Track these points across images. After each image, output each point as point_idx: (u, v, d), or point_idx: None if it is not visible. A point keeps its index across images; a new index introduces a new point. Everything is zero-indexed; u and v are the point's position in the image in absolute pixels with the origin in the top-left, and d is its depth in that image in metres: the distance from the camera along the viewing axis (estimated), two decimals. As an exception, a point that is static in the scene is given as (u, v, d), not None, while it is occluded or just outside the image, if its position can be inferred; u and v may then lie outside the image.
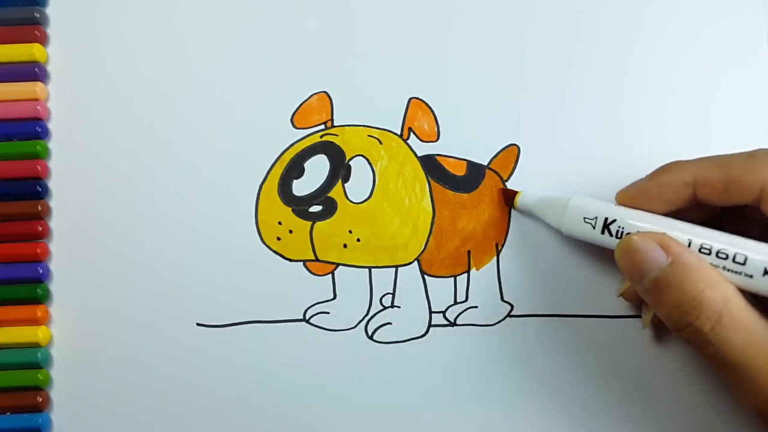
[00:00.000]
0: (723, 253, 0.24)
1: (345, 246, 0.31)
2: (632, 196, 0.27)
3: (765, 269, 0.23)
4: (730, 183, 0.24)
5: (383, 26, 0.33)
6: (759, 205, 0.24)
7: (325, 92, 0.33)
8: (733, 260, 0.24)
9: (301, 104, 0.32)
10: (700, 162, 0.26)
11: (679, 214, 0.27)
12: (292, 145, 0.32)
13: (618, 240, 0.26)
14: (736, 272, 0.24)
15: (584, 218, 0.27)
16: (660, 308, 0.24)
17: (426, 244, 0.32)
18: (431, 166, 0.32)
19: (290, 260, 0.32)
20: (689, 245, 0.25)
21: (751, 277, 0.24)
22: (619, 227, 0.26)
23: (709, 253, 0.24)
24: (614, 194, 0.32)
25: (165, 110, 0.32)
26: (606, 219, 0.27)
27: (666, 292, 0.24)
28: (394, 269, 0.32)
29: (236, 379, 0.31)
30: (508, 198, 0.31)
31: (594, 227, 0.27)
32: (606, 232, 0.27)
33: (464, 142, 0.32)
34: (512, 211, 0.32)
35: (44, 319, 0.31)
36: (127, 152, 0.32)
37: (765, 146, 0.32)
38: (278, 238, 0.32)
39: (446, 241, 0.32)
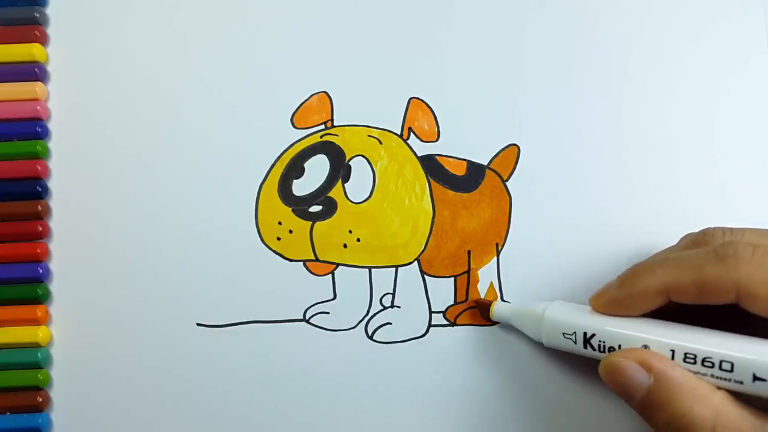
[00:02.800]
0: (708, 361, 0.23)
1: (345, 246, 0.31)
2: (606, 305, 0.26)
3: (754, 375, 0.22)
4: (703, 288, 0.23)
5: (383, 26, 0.33)
6: (738, 304, 0.23)
7: (325, 92, 0.33)
8: (720, 368, 0.23)
9: (301, 104, 0.33)
10: (668, 266, 0.24)
11: (659, 309, 0.25)
12: (292, 145, 0.32)
13: (602, 354, 0.25)
14: (725, 379, 0.23)
15: (563, 333, 0.26)
16: (654, 427, 0.24)
17: (426, 244, 0.32)
18: (431, 166, 0.32)
19: (290, 260, 0.32)
20: (673, 356, 0.23)
21: (741, 383, 0.22)
22: (600, 341, 0.25)
23: (694, 362, 0.23)
24: (614, 194, 0.32)
25: (165, 110, 0.32)
26: (585, 334, 0.26)
27: (655, 412, 0.23)
28: (394, 269, 0.32)
29: (236, 379, 0.31)
30: (483, 309, 0.30)
31: (575, 342, 0.26)
32: (588, 346, 0.26)
33: (464, 142, 0.32)
34: (512, 210, 0.32)
35: (44, 319, 0.31)
36: (127, 152, 0.32)
37: (763, 147, 0.32)
38: (278, 238, 0.32)
39: (446, 241, 0.32)
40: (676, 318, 0.25)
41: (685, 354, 0.23)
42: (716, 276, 0.23)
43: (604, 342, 0.25)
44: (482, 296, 0.31)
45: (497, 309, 0.30)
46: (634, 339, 0.24)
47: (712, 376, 0.23)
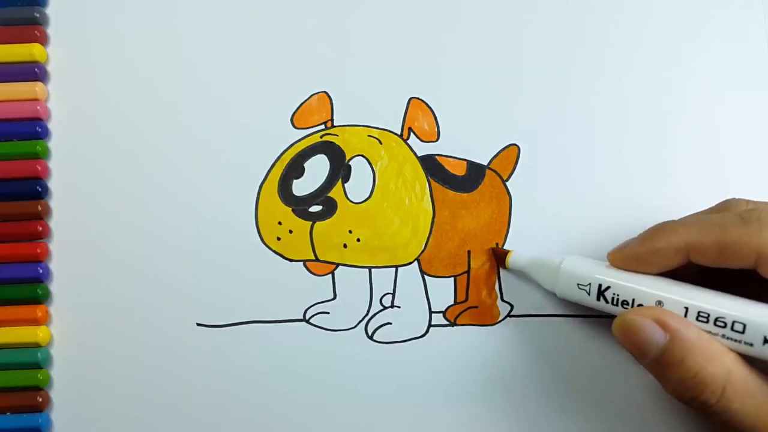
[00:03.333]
0: (721, 321, 0.23)
1: (345, 246, 0.31)
2: (624, 260, 0.26)
3: (765, 338, 0.23)
4: (724, 249, 0.24)
5: (383, 27, 0.33)
6: (756, 269, 0.23)
7: (325, 92, 0.33)
8: (732, 328, 0.23)
9: (301, 104, 0.33)
10: (692, 226, 0.25)
11: (675, 271, 0.26)
12: (292, 145, 0.32)
13: (614, 307, 0.25)
14: (736, 340, 0.23)
15: (578, 284, 0.27)
16: (665, 384, 0.24)
17: (426, 244, 0.32)
18: (431, 166, 0.32)
19: (290, 260, 0.32)
20: (686, 313, 0.24)
21: (751, 345, 0.23)
22: (615, 294, 0.25)
23: (707, 321, 0.23)
24: (614, 194, 0.32)
25: (165, 110, 0.32)
26: (600, 286, 0.26)
27: (668, 370, 0.24)
28: (394, 269, 0.32)
29: (236, 379, 0.31)
30: (499, 257, 0.31)
31: (589, 293, 0.26)
32: (602, 299, 0.26)
33: (464, 142, 0.32)
34: (512, 210, 0.32)
35: (44, 319, 0.31)
36: (127, 152, 0.32)
37: (764, 147, 0.32)
38: (278, 238, 0.32)
39: (446, 241, 0.32)
40: (692, 282, 0.25)
41: (699, 312, 0.23)
42: (738, 238, 0.23)
43: (618, 295, 0.25)
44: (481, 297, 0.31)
45: (514, 257, 0.30)
46: (648, 295, 0.25)
47: (723, 336, 0.23)
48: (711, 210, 0.27)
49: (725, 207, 0.26)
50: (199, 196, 0.32)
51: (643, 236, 0.26)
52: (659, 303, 0.24)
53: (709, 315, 0.23)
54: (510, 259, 0.30)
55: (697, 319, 0.23)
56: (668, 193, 0.32)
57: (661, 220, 0.31)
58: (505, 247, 0.31)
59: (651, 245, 0.25)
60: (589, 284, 0.26)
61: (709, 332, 0.23)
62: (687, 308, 0.24)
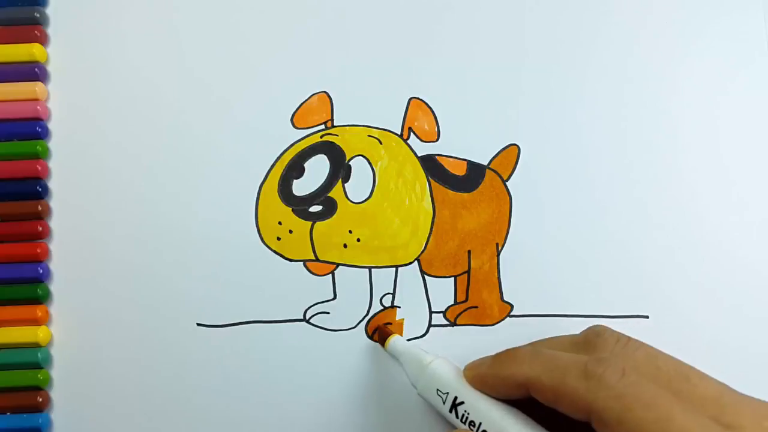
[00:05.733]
0: None
1: (345, 246, 0.31)
2: (473, 378, 0.26)
3: None
4: (559, 397, 0.23)
5: (383, 26, 0.33)
6: (590, 424, 0.22)
7: (325, 92, 0.33)
8: None
9: (301, 104, 0.33)
10: (538, 362, 0.24)
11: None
12: (292, 145, 0.32)
13: (462, 425, 0.25)
14: None
15: (437, 390, 0.27)
16: None
17: (426, 244, 0.32)
18: (431, 166, 0.32)
19: (290, 260, 0.32)
20: None
21: None
22: (465, 411, 0.25)
23: None
24: (614, 194, 0.32)
25: (165, 110, 0.32)
26: (455, 398, 0.26)
27: None
28: (394, 269, 0.32)
29: (236, 379, 0.31)
30: (381, 338, 0.30)
31: (444, 402, 0.26)
32: (453, 411, 0.26)
33: (464, 142, 0.32)
34: (512, 210, 0.32)
35: (44, 319, 0.31)
36: (127, 152, 0.32)
37: (764, 147, 0.32)
38: (278, 238, 0.32)
39: (446, 241, 0.32)
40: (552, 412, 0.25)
41: None
42: (574, 391, 0.22)
43: (468, 414, 0.25)
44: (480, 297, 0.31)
45: (393, 342, 0.30)
46: (495, 424, 0.24)
47: None
48: (577, 340, 0.26)
49: (590, 342, 0.25)
50: (199, 196, 0.32)
51: (494, 358, 0.26)
52: None
53: None
54: (389, 342, 0.30)
55: None
56: (668, 193, 0.32)
57: (661, 219, 0.32)
58: (504, 247, 0.31)
59: (496, 371, 0.25)
60: (447, 393, 0.26)
61: None
62: None
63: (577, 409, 0.22)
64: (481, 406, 0.25)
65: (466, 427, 0.25)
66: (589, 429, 0.23)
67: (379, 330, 0.31)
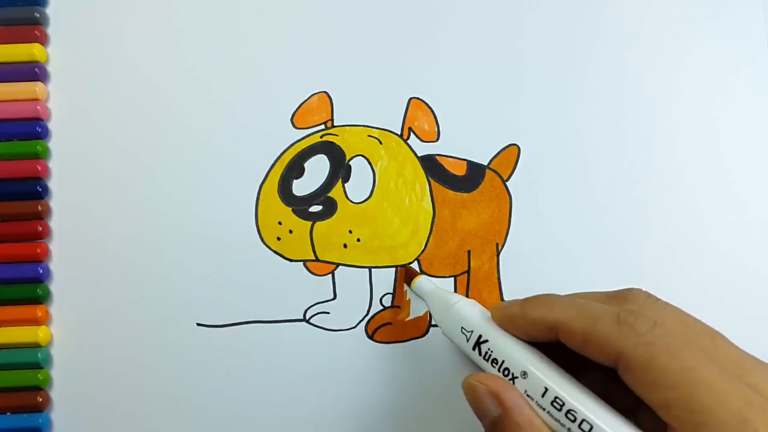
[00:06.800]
0: (572, 414, 0.23)
1: (345, 246, 0.31)
2: (501, 318, 0.26)
3: None
4: (589, 341, 0.23)
5: (383, 26, 0.33)
6: (616, 370, 0.23)
7: (325, 92, 0.33)
8: (579, 426, 0.22)
9: (301, 104, 0.33)
10: (570, 307, 0.24)
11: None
12: (292, 145, 0.32)
13: (485, 362, 0.26)
14: None
15: (462, 328, 0.27)
16: None
17: (426, 244, 0.32)
18: (431, 166, 0.32)
19: (290, 260, 0.32)
20: (544, 393, 0.23)
21: None
22: (489, 349, 0.26)
23: (560, 409, 0.23)
24: (614, 193, 0.32)
25: (165, 110, 0.32)
26: (480, 336, 0.26)
27: None
28: (394, 269, 0.32)
29: (236, 379, 0.31)
30: (408, 277, 0.31)
31: (468, 340, 0.26)
32: (477, 349, 0.26)
33: (464, 142, 0.32)
34: (512, 210, 0.32)
35: (44, 319, 0.31)
36: (127, 152, 0.32)
37: (764, 147, 0.32)
38: (278, 238, 0.32)
39: (446, 241, 0.32)
40: (577, 358, 0.25)
41: (555, 398, 0.23)
42: (605, 337, 0.23)
43: (491, 351, 0.25)
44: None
45: (420, 282, 0.30)
46: (517, 362, 0.25)
47: (568, 430, 0.23)
48: (609, 294, 0.26)
49: (623, 297, 0.26)
50: (199, 196, 0.32)
51: (524, 301, 0.26)
52: (524, 374, 0.24)
53: (563, 405, 0.23)
54: (415, 282, 0.30)
55: (551, 403, 0.23)
56: (668, 193, 0.32)
57: (661, 218, 0.32)
58: (504, 247, 0.31)
59: (525, 312, 0.25)
60: (471, 331, 0.26)
61: (558, 420, 0.23)
62: (546, 389, 0.23)
63: (606, 355, 0.23)
64: (504, 345, 0.25)
65: (489, 364, 0.25)
66: (604, 377, 0.23)
67: (407, 270, 0.31)
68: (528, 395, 0.24)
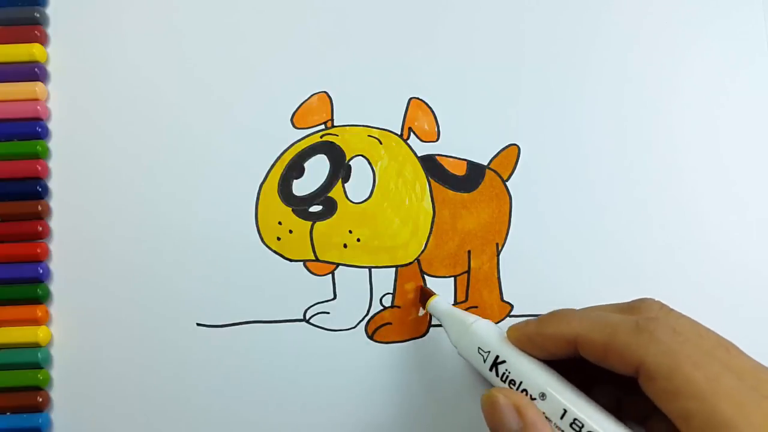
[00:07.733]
0: None
1: (345, 246, 0.31)
2: (518, 338, 0.26)
3: None
4: (610, 351, 0.23)
5: (383, 26, 0.33)
6: (637, 379, 0.23)
7: (325, 92, 0.33)
8: None
9: (301, 104, 0.33)
10: (587, 320, 0.24)
11: (576, 361, 0.25)
12: (292, 145, 0.32)
13: (502, 383, 0.26)
14: None
15: (479, 348, 0.27)
16: None
17: (426, 244, 0.32)
18: (431, 166, 0.32)
19: (290, 260, 0.32)
20: (563, 415, 0.23)
21: None
22: (506, 370, 0.26)
23: (579, 430, 0.23)
24: (614, 194, 0.32)
25: (165, 110, 0.32)
26: (497, 357, 0.26)
27: None
28: (394, 269, 0.32)
29: (236, 379, 0.31)
30: (423, 298, 0.31)
31: (485, 361, 0.26)
32: (494, 369, 0.26)
33: (464, 142, 0.32)
34: (512, 210, 0.32)
35: (44, 319, 0.31)
36: (127, 152, 0.32)
37: (764, 147, 0.32)
38: (278, 238, 0.32)
39: (446, 241, 0.32)
40: (588, 373, 0.25)
41: (574, 419, 0.23)
42: (625, 344, 0.23)
43: (509, 372, 0.26)
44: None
45: (435, 303, 0.30)
46: (535, 384, 0.25)
47: None
48: (622, 306, 0.26)
49: (636, 307, 0.26)
50: (199, 196, 0.32)
51: (539, 319, 0.26)
52: (542, 395, 0.24)
53: (582, 426, 0.23)
54: (431, 303, 0.30)
55: (570, 425, 0.23)
56: (668, 193, 0.32)
57: (661, 219, 0.32)
58: (504, 247, 0.32)
59: (543, 329, 0.25)
60: (489, 352, 0.26)
61: None
62: (565, 411, 0.24)
63: (627, 364, 0.22)
64: (522, 365, 0.25)
65: (506, 385, 0.25)
66: (610, 391, 0.23)
67: (422, 290, 0.31)
68: (546, 417, 0.24)
